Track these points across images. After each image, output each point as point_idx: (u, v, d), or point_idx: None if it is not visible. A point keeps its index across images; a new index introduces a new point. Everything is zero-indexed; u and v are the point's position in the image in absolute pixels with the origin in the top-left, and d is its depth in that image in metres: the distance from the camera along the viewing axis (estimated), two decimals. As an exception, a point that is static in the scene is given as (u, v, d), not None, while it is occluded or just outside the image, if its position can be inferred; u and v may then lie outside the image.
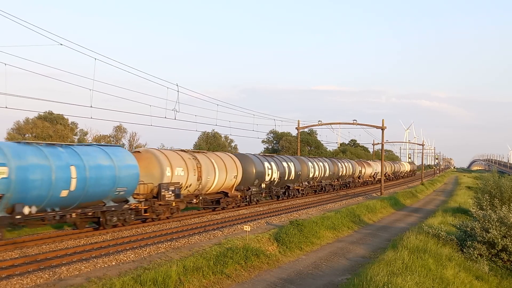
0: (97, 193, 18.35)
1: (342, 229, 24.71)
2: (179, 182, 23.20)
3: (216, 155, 28.34)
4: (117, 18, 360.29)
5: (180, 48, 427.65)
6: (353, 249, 20.40)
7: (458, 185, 73.40)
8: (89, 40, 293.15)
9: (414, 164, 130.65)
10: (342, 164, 53.06)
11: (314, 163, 43.72)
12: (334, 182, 49.89)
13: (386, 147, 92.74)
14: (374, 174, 67.03)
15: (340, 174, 51.37)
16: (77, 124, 55.25)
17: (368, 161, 68.52)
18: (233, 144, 73.67)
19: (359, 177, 59.65)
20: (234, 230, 20.80)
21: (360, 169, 60.24)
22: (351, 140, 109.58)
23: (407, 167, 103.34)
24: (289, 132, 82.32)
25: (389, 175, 77.24)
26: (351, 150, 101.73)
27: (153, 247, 16.60)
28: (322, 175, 45.05)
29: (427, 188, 64.68)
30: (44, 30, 20.13)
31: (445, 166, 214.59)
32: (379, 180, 58.40)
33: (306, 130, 76.33)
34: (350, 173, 55.23)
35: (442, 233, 18.75)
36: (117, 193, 19.24)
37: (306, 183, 41.52)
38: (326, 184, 47.43)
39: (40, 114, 50.31)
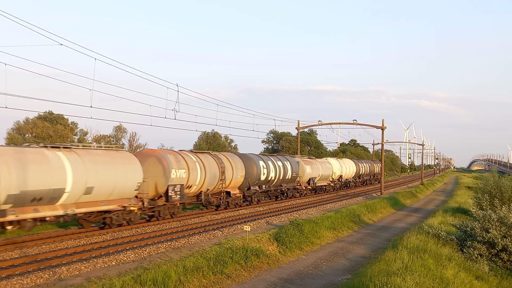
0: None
1: (342, 229, 24.71)
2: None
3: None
4: (117, 18, 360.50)
5: (180, 48, 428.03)
6: (353, 249, 20.39)
7: (458, 185, 73.35)
8: (89, 40, 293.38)
9: (375, 162, 71.55)
10: None
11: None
12: None
13: (386, 147, 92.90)
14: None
15: None
16: (77, 124, 55.30)
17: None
18: (233, 144, 73.70)
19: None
20: (234, 230, 20.79)
21: None
22: (351, 140, 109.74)
23: (335, 169, 49.49)
24: (289, 132, 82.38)
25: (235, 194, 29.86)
26: (351, 150, 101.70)
27: (153, 247, 16.60)
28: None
29: (427, 188, 64.67)
30: (44, 30, 20.10)
31: (445, 166, 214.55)
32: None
33: (306, 130, 76.35)
34: None
35: (442, 233, 18.74)
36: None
37: None
38: None
39: (40, 114, 50.33)
